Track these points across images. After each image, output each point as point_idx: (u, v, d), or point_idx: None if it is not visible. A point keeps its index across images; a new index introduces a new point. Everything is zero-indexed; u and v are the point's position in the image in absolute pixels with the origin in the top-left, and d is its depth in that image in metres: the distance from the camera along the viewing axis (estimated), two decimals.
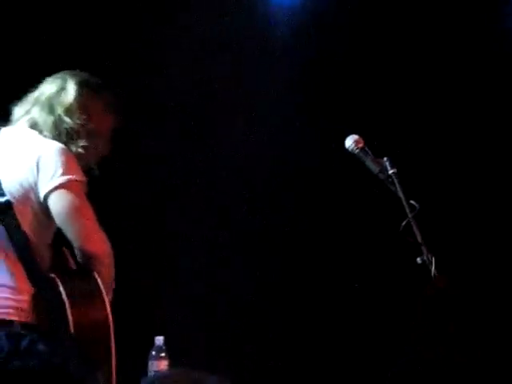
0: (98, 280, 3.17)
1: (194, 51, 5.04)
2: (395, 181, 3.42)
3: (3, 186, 3.20)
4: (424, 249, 3.30)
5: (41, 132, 3.33)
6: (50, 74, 3.45)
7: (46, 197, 3.19)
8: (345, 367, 5.18)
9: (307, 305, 5.28)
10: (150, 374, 3.74)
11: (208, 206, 5.18)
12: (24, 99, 3.44)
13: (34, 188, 3.20)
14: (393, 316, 4.83)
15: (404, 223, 3.49)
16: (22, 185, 3.21)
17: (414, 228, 3.53)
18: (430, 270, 3.23)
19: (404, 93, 5.27)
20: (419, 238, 3.44)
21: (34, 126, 3.36)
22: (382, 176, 3.44)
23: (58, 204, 3.19)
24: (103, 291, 3.15)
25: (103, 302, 3.14)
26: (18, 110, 3.43)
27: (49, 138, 3.31)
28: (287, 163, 5.30)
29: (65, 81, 3.42)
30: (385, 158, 3.46)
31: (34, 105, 3.40)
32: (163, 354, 3.83)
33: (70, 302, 3.09)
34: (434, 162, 5.22)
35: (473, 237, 5.14)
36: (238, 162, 5.19)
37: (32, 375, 3.00)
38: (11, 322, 3.11)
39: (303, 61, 5.31)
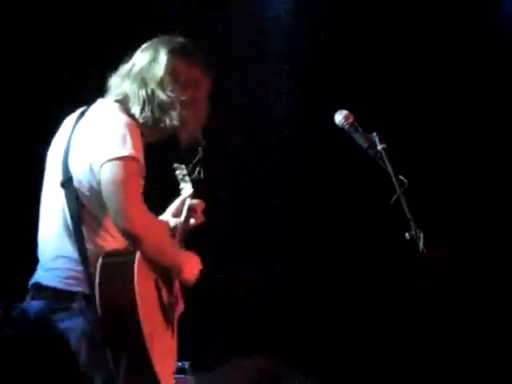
0: (135, 264, 3.07)
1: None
2: (384, 156, 3.41)
3: (70, 163, 3.19)
4: (412, 224, 3.32)
5: (129, 107, 3.26)
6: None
7: (99, 170, 3.11)
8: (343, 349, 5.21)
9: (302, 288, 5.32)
10: None
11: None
12: (118, 70, 3.36)
13: (93, 164, 3.13)
14: (381, 290, 4.84)
15: (393, 199, 3.51)
16: (84, 161, 3.16)
17: (403, 203, 3.55)
18: (418, 246, 3.25)
19: (395, 70, 5.26)
20: (408, 214, 3.47)
21: (123, 99, 3.29)
22: (371, 151, 3.43)
23: (105, 176, 3.09)
24: (135, 274, 3.04)
25: (131, 285, 3.03)
26: (112, 82, 3.35)
27: (138, 112, 3.24)
28: (286, 161, 5.30)
29: (156, 50, 3.33)
30: (374, 134, 3.46)
31: (125, 77, 3.32)
32: None
33: (100, 285, 3.05)
34: (423, 138, 5.23)
35: (462, 212, 5.15)
36: (238, 160, 5.20)
37: (25, 343, 2.99)
38: (76, 292, 3.11)
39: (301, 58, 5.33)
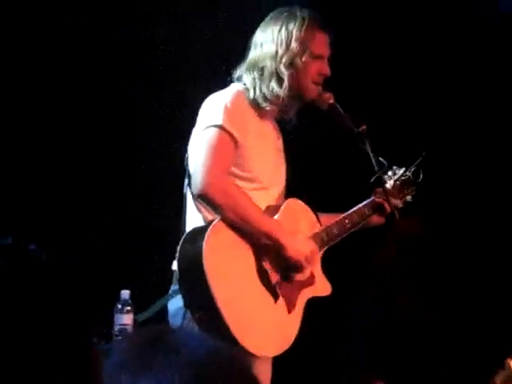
0: (210, 228, 3.16)
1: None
2: (364, 138, 3.42)
3: None
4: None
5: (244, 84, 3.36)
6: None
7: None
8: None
9: None
10: (116, 327, 3.71)
11: None
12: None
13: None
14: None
15: (373, 179, 3.52)
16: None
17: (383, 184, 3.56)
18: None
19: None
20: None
21: (239, 79, 3.39)
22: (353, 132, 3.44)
23: (192, 144, 3.33)
24: (205, 238, 3.13)
25: (200, 248, 3.13)
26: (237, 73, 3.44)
27: (252, 95, 3.32)
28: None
29: (255, 36, 3.40)
30: (356, 115, 3.47)
31: (243, 66, 3.40)
32: (129, 308, 3.81)
33: (179, 251, 3.23)
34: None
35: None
36: None
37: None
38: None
39: None
